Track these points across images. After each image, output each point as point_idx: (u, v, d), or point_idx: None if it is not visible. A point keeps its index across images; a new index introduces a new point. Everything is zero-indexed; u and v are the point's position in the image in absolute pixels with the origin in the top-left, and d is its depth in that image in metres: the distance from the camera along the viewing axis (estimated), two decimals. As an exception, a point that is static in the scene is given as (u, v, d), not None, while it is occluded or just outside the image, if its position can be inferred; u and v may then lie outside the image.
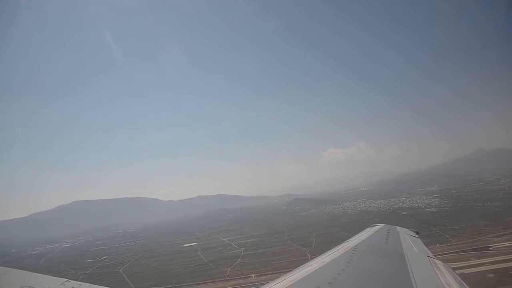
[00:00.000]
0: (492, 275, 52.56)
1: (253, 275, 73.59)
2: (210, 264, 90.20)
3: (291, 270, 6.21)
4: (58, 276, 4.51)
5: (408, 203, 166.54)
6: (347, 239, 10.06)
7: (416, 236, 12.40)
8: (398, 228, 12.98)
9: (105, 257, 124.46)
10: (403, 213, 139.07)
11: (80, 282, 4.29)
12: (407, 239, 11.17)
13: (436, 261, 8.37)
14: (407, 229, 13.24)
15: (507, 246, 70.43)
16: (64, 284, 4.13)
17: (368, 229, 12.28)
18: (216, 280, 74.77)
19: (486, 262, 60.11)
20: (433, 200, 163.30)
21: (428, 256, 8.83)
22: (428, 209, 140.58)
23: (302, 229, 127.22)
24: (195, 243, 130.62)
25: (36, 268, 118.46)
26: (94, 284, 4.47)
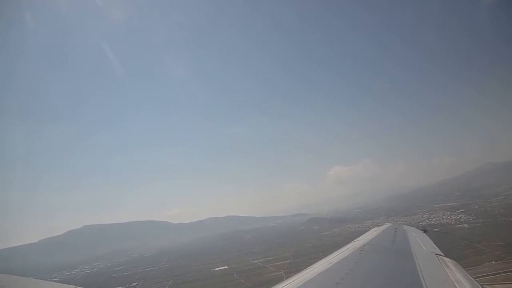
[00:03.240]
0: None
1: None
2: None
3: (299, 271, 6.30)
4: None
5: (434, 219, 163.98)
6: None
7: (424, 234, 12.56)
8: (405, 227, 13.44)
9: (135, 283, 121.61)
10: (435, 230, 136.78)
11: None
12: (415, 237, 11.40)
13: (445, 258, 8.37)
14: (414, 228, 13.59)
15: None
16: None
17: (375, 228, 12.77)
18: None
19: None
20: (459, 216, 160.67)
21: (436, 254, 8.84)
22: (459, 225, 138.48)
23: (334, 249, 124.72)
24: (226, 267, 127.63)
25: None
26: None
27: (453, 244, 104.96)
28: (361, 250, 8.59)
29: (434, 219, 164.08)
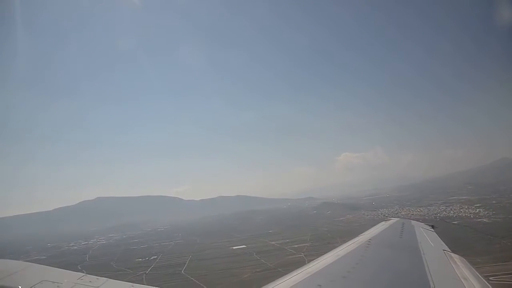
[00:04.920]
0: None
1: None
2: (279, 269, 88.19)
3: (305, 264, 6.29)
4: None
5: (452, 212, 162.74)
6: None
7: (432, 230, 12.32)
8: (413, 222, 13.31)
9: (154, 257, 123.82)
10: (454, 222, 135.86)
11: (97, 277, 4.28)
12: (422, 233, 11.30)
13: (453, 254, 8.32)
14: (422, 223, 13.50)
15: None
16: (82, 278, 4.16)
17: (383, 223, 12.56)
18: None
19: None
20: (477, 210, 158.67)
21: (444, 250, 8.80)
22: (479, 220, 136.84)
23: (353, 236, 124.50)
24: (244, 246, 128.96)
25: (86, 265, 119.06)
26: (111, 278, 4.38)
27: (476, 238, 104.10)
28: (368, 244, 8.53)
29: (452, 212, 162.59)
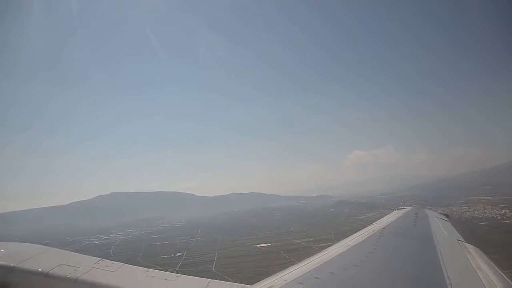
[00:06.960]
0: None
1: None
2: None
3: (318, 252, 6.25)
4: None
5: (476, 212, 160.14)
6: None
7: (446, 219, 12.11)
8: (427, 211, 13.32)
9: (179, 254, 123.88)
10: (481, 223, 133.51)
11: (113, 262, 4.59)
12: (437, 222, 11.17)
13: (467, 245, 8.20)
14: (436, 212, 13.46)
15: None
16: (98, 263, 4.49)
17: (396, 211, 12.46)
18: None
19: None
20: (503, 211, 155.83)
21: (458, 240, 8.69)
22: (507, 221, 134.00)
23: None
24: (269, 244, 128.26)
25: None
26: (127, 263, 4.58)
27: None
28: (381, 233, 8.47)
29: (476, 212, 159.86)
